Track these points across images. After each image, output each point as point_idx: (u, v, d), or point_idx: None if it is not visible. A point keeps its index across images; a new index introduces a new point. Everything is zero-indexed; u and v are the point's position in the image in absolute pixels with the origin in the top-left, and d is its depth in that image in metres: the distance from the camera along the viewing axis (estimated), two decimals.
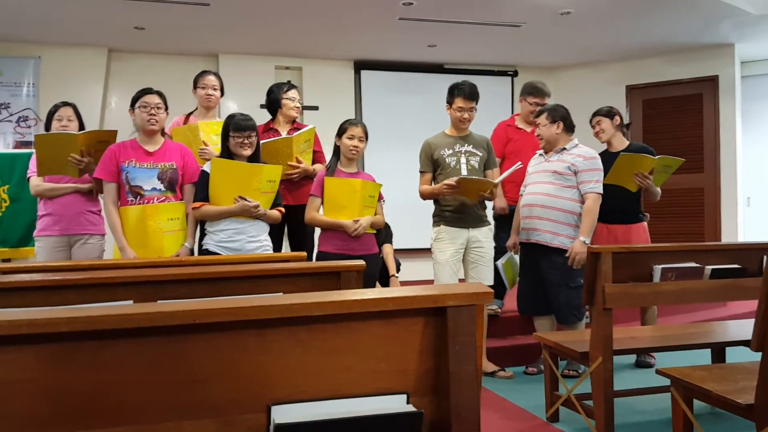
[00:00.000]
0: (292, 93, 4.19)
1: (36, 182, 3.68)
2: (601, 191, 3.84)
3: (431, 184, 4.02)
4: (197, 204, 3.37)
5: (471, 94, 3.94)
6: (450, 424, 1.33)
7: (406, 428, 1.27)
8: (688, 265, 3.09)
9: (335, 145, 3.74)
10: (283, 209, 3.57)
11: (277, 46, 6.57)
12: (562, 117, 3.93)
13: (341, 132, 3.69)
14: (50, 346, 1.16)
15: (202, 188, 3.38)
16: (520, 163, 4.02)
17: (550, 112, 3.95)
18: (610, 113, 4.33)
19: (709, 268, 3.10)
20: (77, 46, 6.32)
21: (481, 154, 4.02)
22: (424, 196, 4.05)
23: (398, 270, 4.77)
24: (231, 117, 3.43)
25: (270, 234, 3.58)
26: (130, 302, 1.89)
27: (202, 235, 3.52)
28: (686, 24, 6.12)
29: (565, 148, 3.92)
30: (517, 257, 4.19)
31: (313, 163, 4.13)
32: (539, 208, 3.86)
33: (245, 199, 3.32)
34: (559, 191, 3.84)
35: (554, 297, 3.85)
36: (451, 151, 3.96)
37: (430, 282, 4.37)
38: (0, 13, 5.41)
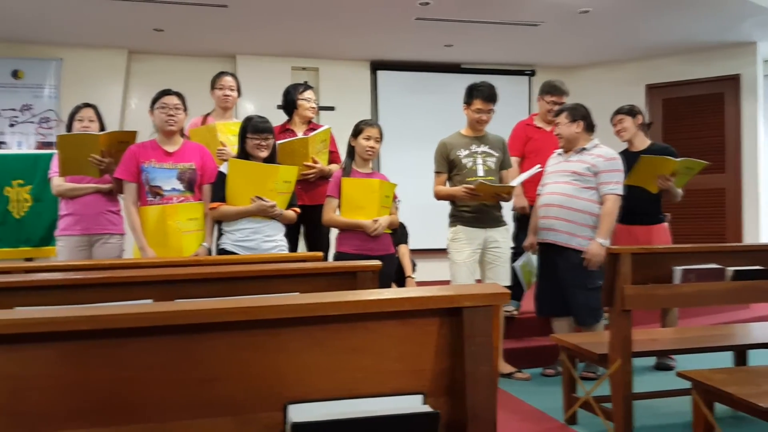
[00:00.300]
0: (308, 94, 4.21)
1: (58, 182, 3.73)
2: (621, 193, 3.80)
3: (446, 185, 4.01)
4: (214, 204, 3.40)
5: (490, 95, 3.92)
6: (466, 425, 1.32)
7: (422, 429, 1.27)
8: (709, 266, 3.05)
9: (349, 145, 3.74)
10: (298, 209, 3.59)
11: (294, 47, 6.60)
12: (582, 116, 3.89)
13: (357, 132, 3.69)
14: (70, 343, 1.17)
15: (219, 189, 3.41)
16: (539, 166, 3.99)
17: (570, 111, 3.91)
18: (632, 112, 4.28)
19: (730, 269, 3.06)
20: (97, 48, 6.39)
21: (497, 154, 4.00)
22: (440, 196, 4.04)
23: (414, 270, 4.76)
24: (248, 119, 3.47)
25: (286, 234, 3.60)
26: (149, 301, 1.91)
27: (220, 234, 3.54)
28: (708, 22, 6.05)
29: (585, 148, 3.87)
30: (534, 258, 4.16)
31: (329, 163, 4.14)
32: (557, 208, 3.83)
33: (262, 199, 3.35)
34: (578, 192, 3.80)
35: (572, 298, 3.82)
36: (467, 152, 3.94)
37: (446, 282, 4.36)
38: (22, 16, 5.49)
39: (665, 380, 3.77)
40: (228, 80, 4.10)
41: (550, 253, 3.90)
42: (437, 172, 4.03)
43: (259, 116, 3.49)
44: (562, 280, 3.85)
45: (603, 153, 3.85)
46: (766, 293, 3.10)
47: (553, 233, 3.84)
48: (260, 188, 3.37)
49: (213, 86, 4.11)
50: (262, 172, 3.39)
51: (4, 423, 1.14)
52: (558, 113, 3.99)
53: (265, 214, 3.39)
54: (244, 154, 3.45)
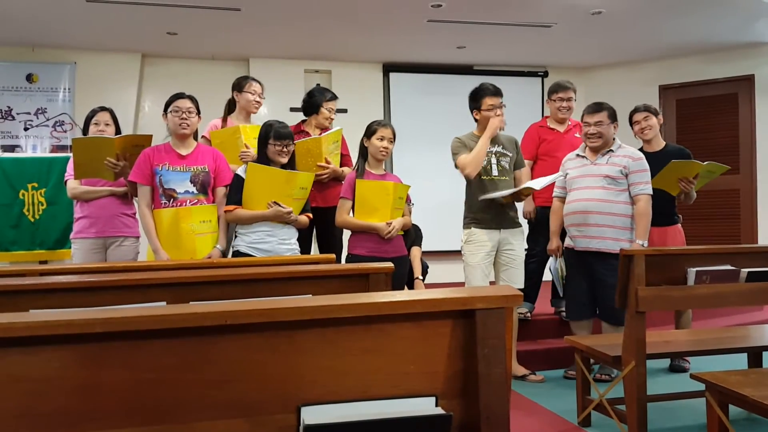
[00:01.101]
0: (332, 104, 4.20)
1: (73, 185, 3.76)
2: (651, 192, 3.76)
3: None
4: (230, 207, 3.42)
5: (496, 90, 3.93)
6: (479, 427, 1.32)
7: (434, 431, 1.27)
8: (724, 267, 3.03)
9: (362, 146, 3.74)
10: (310, 215, 3.61)
11: (307, 49, 6.61)
12: (616, 117, 3.86)
13: (370, 133, 3.69)
14: (86, 346, 1.18)
15: (235, 192, 3.42)
16: (567, 173, 3.96)
17: (609, 111, 3.84)
18: (656, 111, 4.27)
19: (745, 270, 3.03)
20: (111, 51, 6.44)
21: (511, 154, 4.00)
22: (478, 152, 3.84)
23: (425, 273, 4.74)
24: (269, 125, 3.48)
25: (299, 236, 3.61)
26: (163, 303, 1.92)
27: (234, 236, 3.56)
28: (721, 23, 6.01)
29: (611, 150, 3.83)
30: (560, 260, 4.12)
31: (341, 166, 4.14)
32: (596, 215, 3.75)
33: (279, 205, 3.37)
34: (614, 196, 3.74)
35: (608, 299, 3.75)
36: None
37: (460, 284, 4.35)
38: (37, 20, 5.54)
39: (679, 382, 3.75)
40: (258, 87, 4.13)
41: (587, 257, 3.82)
42: (458, 154, 3.93)
43: (279, 122, 3.51)
44: (599, 282, 3.79)
45: (630, 153, 3.81)
46: None
47: (597, 240, 3.75)
48: (278, 194, 3.40)
49: (241, 89, 4.10)
50: (281, 178, 3.41)
51: (21, 425, 1.15)
52: (596, 110, 3.85)
53: (282, 219, 3.42)
54: (265, 159, 3.47)
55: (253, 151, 3.77)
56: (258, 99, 4.10)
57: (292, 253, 3.47)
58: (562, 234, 4.06)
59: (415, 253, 4.67)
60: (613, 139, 3.88)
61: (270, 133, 3.44)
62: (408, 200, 3.77)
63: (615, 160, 3.80)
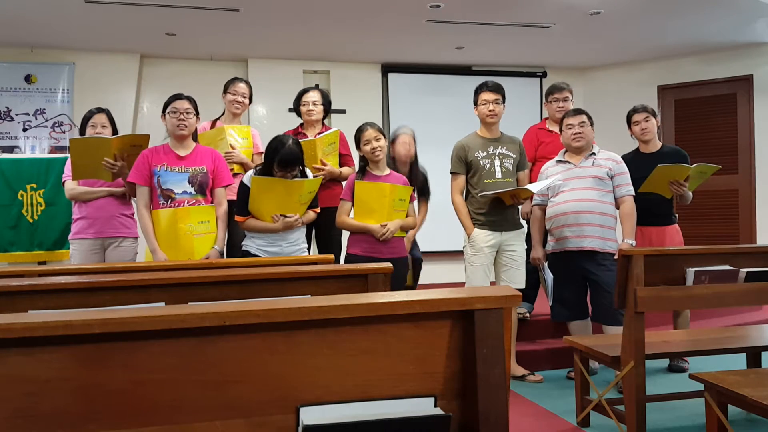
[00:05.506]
0: (306, 97, 4.17)
1: (71, 186, 3.76)
2: (634, 193, 3.89)
3: (465, 188, 4.03)
4: (242, 218, 3.45)
5: (494, 86, 3.97)
6: (478, 428, 1.32)
7: (433, 431, 1.27)
8: (722, 268, 3.03)
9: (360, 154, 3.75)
10: (318, 209, 3.64)
11: (306, 50, 6.61)
12: (593, 122, 3.98)
13: (357, 142, 3.70)
14: (85, 346, 1.18)
15: (244, 202, 3.43)
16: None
17: (588, 114, 3.96)
18: (654, 112, 4.30)
19: (743, 270, 3.04)
20: (110, 52, 6.43)
21: (514, 156, 4.01)
22: (456, 206, 4.02)
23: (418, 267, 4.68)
24: (274, 150, 3.30)
25: None
26: (162, 304, 1.92)
27: (243, 236, 3.57)
28: (720, 23, 6.02)
29: (593, 153, 3.93)
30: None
31: (341, 165, 4.14)
32: (589, 214, 3.80)
33: (286, 217, 3.39)
34: (603, 197, 3.84)
35: (604, 298, 3.77)
36: (485, 154, 3.94)
37: (460, 284, 4.35)
38: (35, 21, 5.54)
39: (678, 382, 3.75)
40: (241, 87, 4.11)
41: (576, 258, 3.84)
42: (454, 173, 4.02)
43: (289, 146, 3.31)
44: (591, 282, 3.84)
45: (611, 156, 3.94)
46: None
47: (589, 240, 3.79)
48: (286, 200, 3.39)
49: (225, 91, 4.14)
50: (288, 187, 3.38)
51: (20, 426, 1.15)
52: (578, 113, 3.97)
53: (292, 228, 3.45)
54: (270, 171, 3.37)
55: (240, 151, 3.78)
56: (239, 99, 4.09)
57: (300, 252, 3.52)
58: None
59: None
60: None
61: (275, 158, 3.30)
62: (411, 199, 3.76)
63: (600, 162, 3.90)
